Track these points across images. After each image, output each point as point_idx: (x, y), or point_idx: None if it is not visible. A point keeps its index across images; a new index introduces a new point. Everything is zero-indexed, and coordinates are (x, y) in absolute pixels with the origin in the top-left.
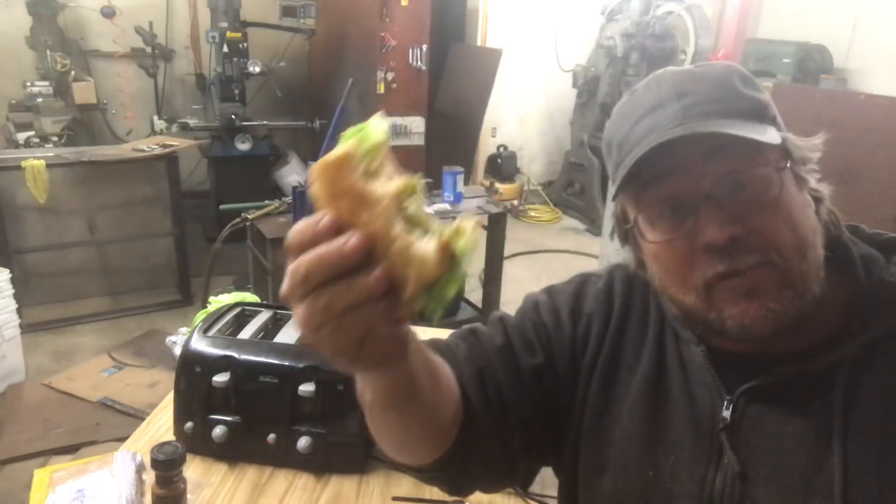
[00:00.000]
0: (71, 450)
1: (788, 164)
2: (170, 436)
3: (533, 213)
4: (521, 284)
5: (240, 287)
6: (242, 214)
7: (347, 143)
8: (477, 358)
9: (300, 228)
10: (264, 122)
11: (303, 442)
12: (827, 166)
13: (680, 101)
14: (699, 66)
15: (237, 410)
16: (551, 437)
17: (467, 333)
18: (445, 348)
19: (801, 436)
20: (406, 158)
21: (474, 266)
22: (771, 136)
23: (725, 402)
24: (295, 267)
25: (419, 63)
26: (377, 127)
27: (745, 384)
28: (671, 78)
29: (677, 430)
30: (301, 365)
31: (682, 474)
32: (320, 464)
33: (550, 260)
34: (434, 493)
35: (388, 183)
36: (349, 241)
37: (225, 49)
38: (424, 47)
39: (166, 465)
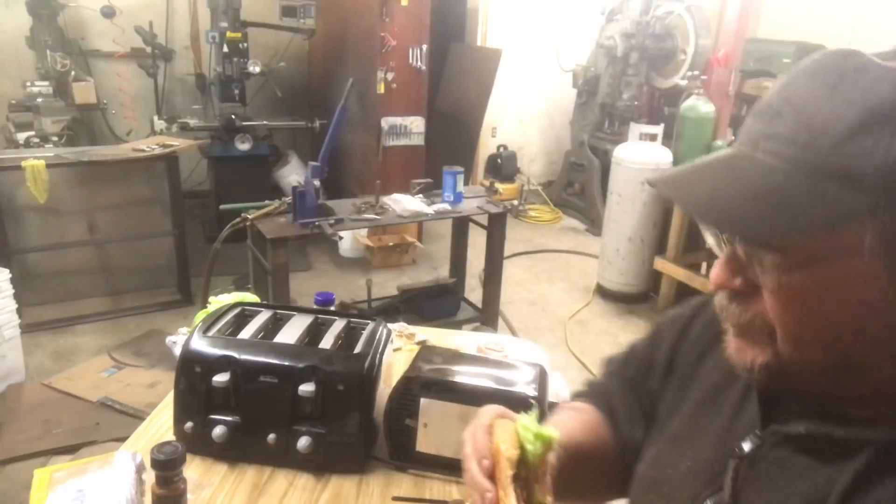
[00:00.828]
0: (71, 450)
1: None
2: (170, 436)
3: (533, 213)
4: (521, 284)
5: (240, 287)
6: (242, 214)
7: (529, 440)
8: (610, 397)
9: (479, 450)
10: (264, 122)
11: (303, 442)
12: None
13: (769, 122)
14: (863, 67)
15: (237, 410)
16: None
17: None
18: (607, 405)
19: (796, 498)
20: (406, 158)
21: (474, 266)
22: (800, 225)
23: (752, 435)
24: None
25: (419, 63)
26: (551, 441)
27: (777, 424)
28: (804, 84)
29: (707, 441)
30: (301, 365)
31: (686, 483)
32: (320, 464)
33: (550, 260)
34: (434, 492)
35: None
36: (489, 497)
37: (225, 49)
38: (424, 47)
39: (166, 465)
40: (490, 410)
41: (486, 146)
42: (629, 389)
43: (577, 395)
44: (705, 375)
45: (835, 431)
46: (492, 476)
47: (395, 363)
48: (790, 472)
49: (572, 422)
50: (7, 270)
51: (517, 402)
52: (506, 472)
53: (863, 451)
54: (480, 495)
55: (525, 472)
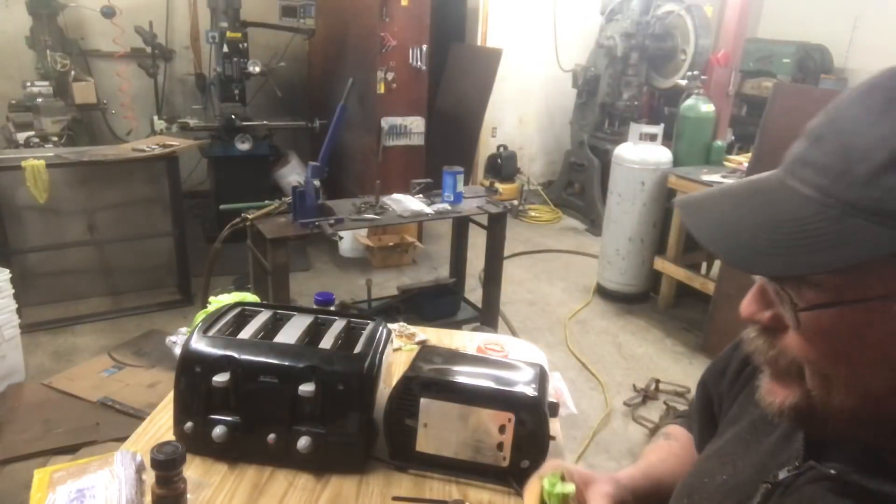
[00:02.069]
0: (71, 450)
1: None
2: (170, 436)
3: (533, 213)
4: (521, 284)
5: (240, 287)
6: (242, 214)
7: (545, 500)
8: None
9: None
10: (264, 122)
11: (303, 442)
12: None
13: (809, 146)
14: None
15: (237, 410)
16: None
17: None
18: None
19: None
20: (406, 158)
21: (474, 266)
22: (841, 257)
23: (791, 466)
24: None
25: (419, 63)
26: (566, 497)
27: (815, 461)
28: (851, 106)
29: (748, 462)
30: (301, 365)
31: (716, 498)
32: (320, 464)
33: (550, 260)
34: (434, 492)
35: None
36: None
37: (225, 49)
38: (424, 47)
39: (166, 465)
40: (548, 465)
41: (486, 146)
42: (704, 397)
43: (676, 416)
44: None
45: (867, 482)
46: None
47: (395, 363)
48: None
49: (656, 455)
50: (7, 270)
51: (517, 402)
52: None
53: None
54: None
55: None
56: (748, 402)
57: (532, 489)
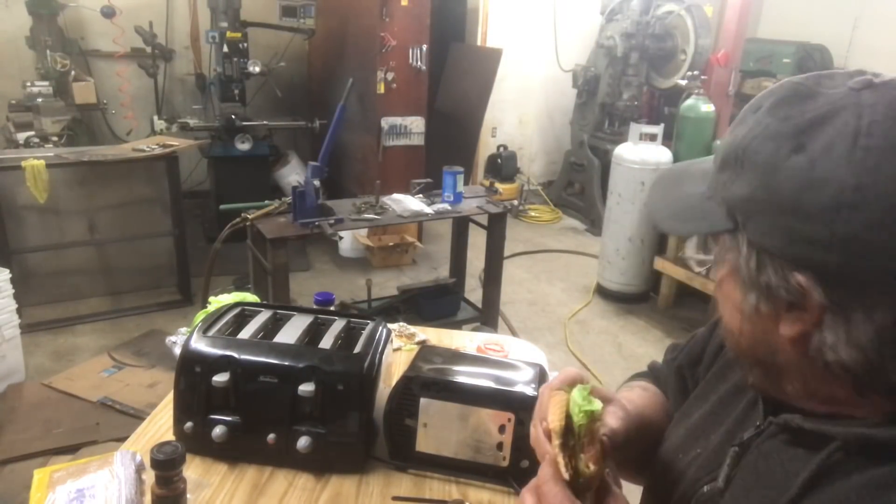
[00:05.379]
0: (71, 450)
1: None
2: (170, 436)
3: (533, 213)
4: (521, 284)
5: (240, 287)
6: (242, 214)
7: (575, 413)
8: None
9: (541, 413)
10: (264, 122)
11: (303, 442)
12: None
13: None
14: (756, 108)
15: (237, 410)
16: None
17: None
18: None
19: (770, 483)
20: (406, 158)
21: (474, 266)
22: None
23: (755, 427)
24: (532, 439)
25: (419, 63)
26: (594, 413)
27: (775, 416)
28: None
29: (720, 432)
30: (301, 365)
31: (692, 469)
32: (320, 464)
33: (550, 260)
34: (434, 492)
35: (587, 458)
36: (548, 458)
37: (225, 49)
38: (424, 47)
39: (166, 465)
40: (565, 374)
41: (486, 146)
42: (678, 376)
43: (639, 376)
44: (734, 373)
45: (804, 423)
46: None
47: (395, 363)
48: (773, 461)
49: (640, 399)
50: (7, 270)
51: (517, 402)
52: (554, 441)
53: (829, 445)
54: (540, 456)
55: (573, 441)
56: (715, 380)
57: (557, 401)
